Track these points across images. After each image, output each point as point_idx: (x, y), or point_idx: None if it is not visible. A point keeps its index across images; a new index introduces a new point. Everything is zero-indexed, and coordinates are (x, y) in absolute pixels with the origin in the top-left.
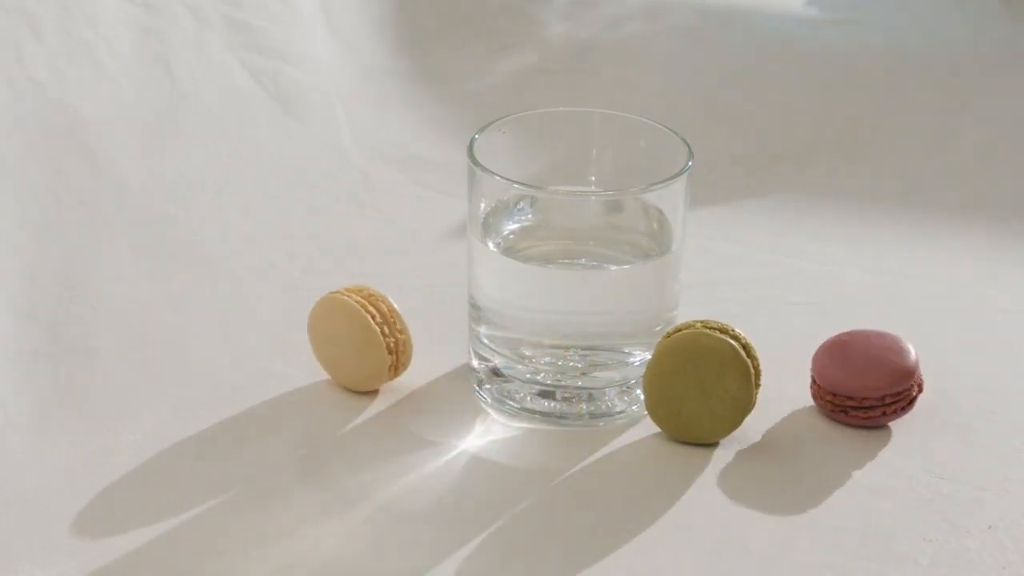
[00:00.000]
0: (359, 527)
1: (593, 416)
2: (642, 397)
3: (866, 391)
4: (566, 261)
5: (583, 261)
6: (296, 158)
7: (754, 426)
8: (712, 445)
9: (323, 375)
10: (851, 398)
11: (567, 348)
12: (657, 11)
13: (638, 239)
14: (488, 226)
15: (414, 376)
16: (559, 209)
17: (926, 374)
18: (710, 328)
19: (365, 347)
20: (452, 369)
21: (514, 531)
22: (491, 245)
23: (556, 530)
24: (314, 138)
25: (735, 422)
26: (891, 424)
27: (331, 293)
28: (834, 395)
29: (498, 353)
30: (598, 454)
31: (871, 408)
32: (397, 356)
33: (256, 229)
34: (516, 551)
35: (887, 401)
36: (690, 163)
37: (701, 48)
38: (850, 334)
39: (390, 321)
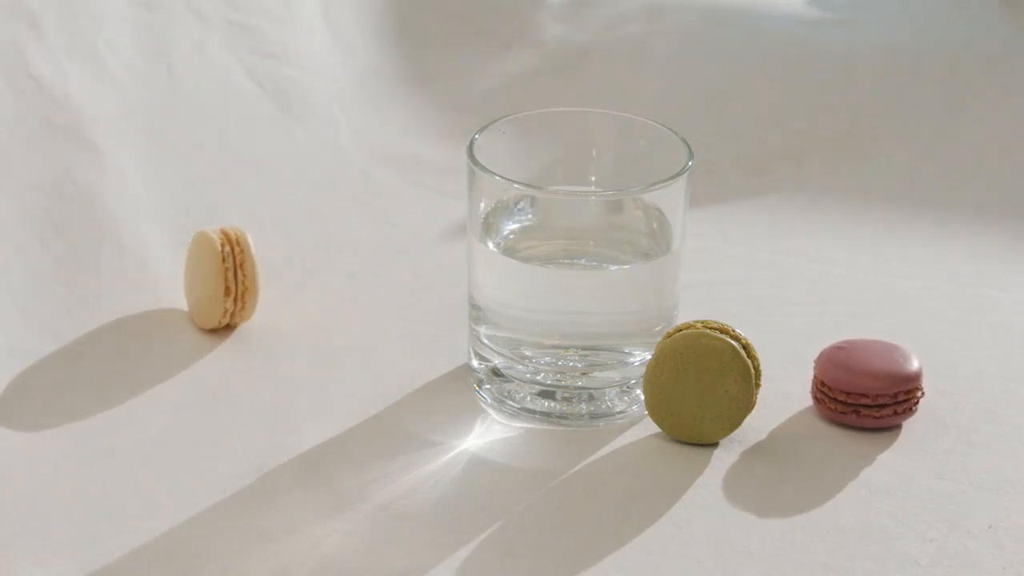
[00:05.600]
0: (359, 527)
1: (593, 416)
2: (642, 397)
3: (880, 388)
4: (566, 261)
5: (583, 261)
6: (296, 158)
7: (754, 426)
8: (712, 445)
9: (327, 369)
10: (864, 396)
11: (567, 348)
12: (657, 11)
13: (638, 239)
14: (488, 226)
15: (414, 376)
16: (559, 209)
17: (926, 374)
18: (710, 328)
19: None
20: (452, 369)
21: (514, 531)
22: (491, 245)
23: (556, 530)
24: (313, 139)
25: (735, 422)
26: (893, 425)
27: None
28: (847, 394)
29: (498, 353)
30: (598, 454)
31: (883, 407)
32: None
33: (255, 230)
34: (516, 551)
35: (899, 399)
36: (690, 163)
37: (701, 48)
38: (850, 341)
39: (236, 252)
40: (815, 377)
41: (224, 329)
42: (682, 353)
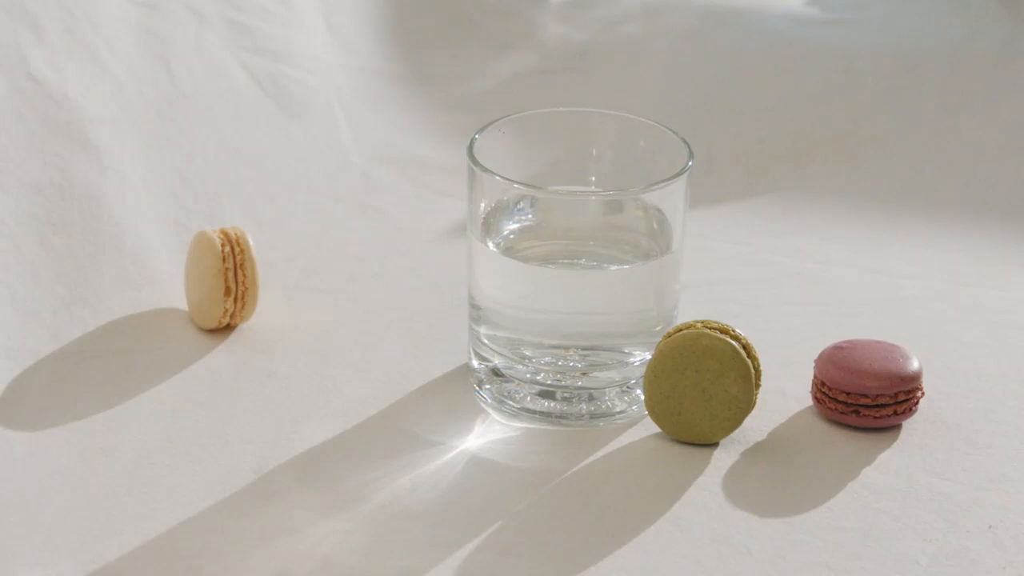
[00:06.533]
0: (359, 527)
1: (593, 416)
2: (642, 397)
3: (880, 388)
4: (566, 261)
5: (583, 261)
6: (295, 159)
7: (754, 426)
8: (712, 445)
9: (327, 369)
10: (864, 396)
11: (567, 348)
12: (657, 11)
13: (638, 239)
14: (488, 226)
15: (414, 376)
16: (559, 209)
17: (926, 374)
18: (710, 328)
19: (208, 255)
20: (452, 369)
21: (514, 531)
22: (491, 245)
23: (556, 530)
24: (313, 139)
25: (735, 422)
26: (893, 424)
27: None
28: (847, 394)
29: (498, 353)
30: (598, 454)
31: (883, 407)
32: (237, 268)
33: (255, 230)
34: (516, 551)
35: (899, 399)
36: (690, 163)
37: (701, 48)
38: (850, 341)
39: (236, 252)
40: (815, 377)
41: (224, 329)
42: (682, 353)
